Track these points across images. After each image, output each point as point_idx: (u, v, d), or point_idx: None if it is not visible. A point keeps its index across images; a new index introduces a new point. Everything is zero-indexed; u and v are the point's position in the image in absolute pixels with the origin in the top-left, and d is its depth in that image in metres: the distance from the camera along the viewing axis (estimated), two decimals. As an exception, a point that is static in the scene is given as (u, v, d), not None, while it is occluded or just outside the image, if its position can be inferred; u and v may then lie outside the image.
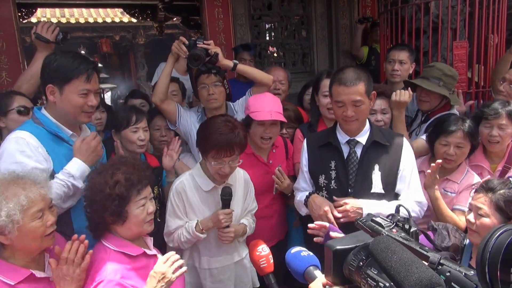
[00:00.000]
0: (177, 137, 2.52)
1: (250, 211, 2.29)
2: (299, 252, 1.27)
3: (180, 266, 1.62)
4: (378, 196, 1.99)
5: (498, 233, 0.59)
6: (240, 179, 2.23)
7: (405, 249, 0.71)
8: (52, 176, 1.80)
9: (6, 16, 3.52)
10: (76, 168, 1.83)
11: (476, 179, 2.29)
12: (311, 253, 1.28)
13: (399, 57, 3.13)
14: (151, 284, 1.55)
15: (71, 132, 1.92)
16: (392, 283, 0.68)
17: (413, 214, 2.00)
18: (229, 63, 2.62)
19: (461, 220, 2.13)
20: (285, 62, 4.79)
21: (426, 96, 2.67)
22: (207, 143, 1.98)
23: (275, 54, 4.94)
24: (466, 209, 2.22)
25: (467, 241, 1.75)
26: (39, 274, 1.53)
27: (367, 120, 2.08)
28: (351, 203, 1.95)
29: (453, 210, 2.21)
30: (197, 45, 2.50)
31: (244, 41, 4.29)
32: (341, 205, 1.96)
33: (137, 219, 1.64)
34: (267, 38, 4.82)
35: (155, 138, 2.70)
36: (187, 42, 2.53)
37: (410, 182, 2.04)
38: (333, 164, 2.06)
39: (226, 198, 2.02)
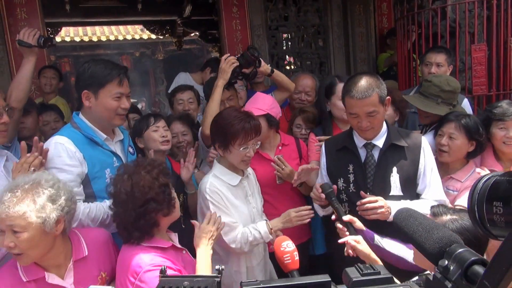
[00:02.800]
0: (192, 150, 2.55)
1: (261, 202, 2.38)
2: None
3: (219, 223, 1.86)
4: (397, 199, 1.99)
5: (485, 178, 0.64)
6: (251, 172, 2.32)
7: (425, 216, 0.75)
8: (84, 178, 1.90)
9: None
10: None
11: None
12: None
13: (436, 59, 3.03)
14: (203, 243, 1.75)
15: (105, 136, 2.02)
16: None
17: None
18: (268, 69, 2.76)
19: None
20: (302, 71, 4.85)
21: (426, 112, 2.60)
22: (231, 132, 2.03)
23: (292, 65, 5.01)
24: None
25: None
26: (51, 279, 1.55)
27: (384, 122, 2.09)
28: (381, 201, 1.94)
29: (455, 207, 2.20)
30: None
31: (262, 51, 4.37)
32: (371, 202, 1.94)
33: (177, 203, 1.78)
34: (284, 48, 4.89)
35: (173, 144, 2.77)
36: (237, 63, 2.65)
37: (431, 182, 2.04)
38: (351, 167, 2.08)
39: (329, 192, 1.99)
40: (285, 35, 4.87)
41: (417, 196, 2.07)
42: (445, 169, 2.36)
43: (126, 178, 1.68)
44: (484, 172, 2.33)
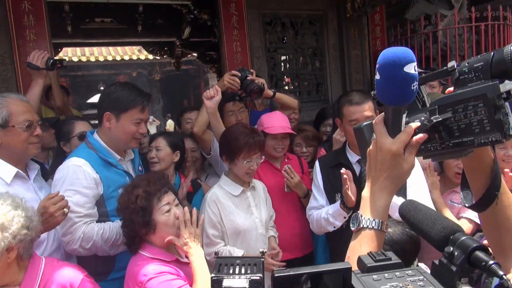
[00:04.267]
0: (191, 172, 2.71)
1: (272, 216, 2.51)
2: None
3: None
4: None
5: None
6: (260, 186, 2.46)
7: (428, 207, 0.87)
8: (99, 198, 1.98)
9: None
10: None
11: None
12: None
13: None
14: (192, 247, 1.78)
15: (119, 157, 2.11)
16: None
17: None
18: (270, 92, 2.89)
19: (463, 225, 2.23)
20: (299, 91, 5.00)
21: None
22: (236, 146, 2.21)
23: (290, 86, 5.17)
24: (475, 218, 2.34)
25: None
26: (181, 259, 1.85)
27: None
28: None
29: (459, 219, 2.31)
30: (247, 77, 2.72)
31: (261, 72, 4.52)
32: None
33: (166, 225, 1.79)
34: (283, 69, 5.05)
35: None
36: (239, 75, 2.73)
37: (417, 187, 2.10)
38: None
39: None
40: (283, 57, 5.04)
41: None
42: (448, 184, 2.48)
43: (119, 194, 1.87)
44: None
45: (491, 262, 0.67)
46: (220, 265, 0.68)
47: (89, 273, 2.02)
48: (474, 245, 0.70)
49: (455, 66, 0.81)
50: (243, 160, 2.23)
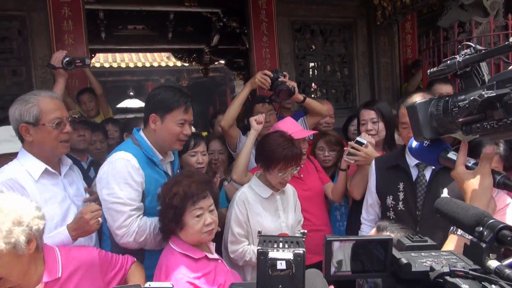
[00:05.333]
0: (218, 175, 2.74)
1: (300, 221, 2.51)
2: (421, 143, 1.25)
3: None
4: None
5: None
6: (290, 191, 2.46)
7: (459, 200, 0.91)
8: (143, 196, 2.03)
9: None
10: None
11: (508, 199, 2.31)
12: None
13: (442, 90, 3.14)
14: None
15: (161, 157, 2.15)
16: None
17: None
18: (300, 97, 2.90)
19: None
20: (327, 98, 4.98)
21: None
22: (273, 158, 2.21)
23: (317, 93, 5.17)
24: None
25: None
26: (210, 255, 1.89)
27: None
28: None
29: None
30: (279, 79, 2.75)
31: (290, 79, 4.53)
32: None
33: (193, 229, 1.81)
34: (311, 76, 5.06)
35: (209, 160, 2.92)
36: (271, 75, 2.76)
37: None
38: (401, 186, 2.12)
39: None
40: (311, 64, 5.05)
41: None
42: None
43: (165, 183, 1.95)
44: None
45: None
46: (264, 241, 0.71)
47: (121, 251, 2.08)
48: (501, 225, 0.76)
49: None
50: (278, 172, 2.23)
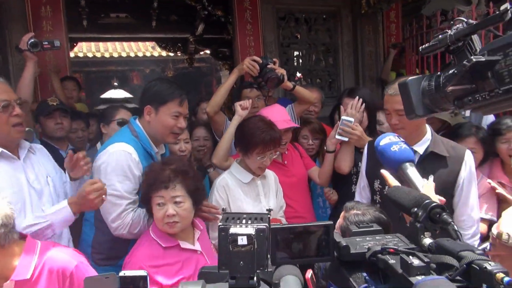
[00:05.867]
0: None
1: (282, 207, 2.51)
2: (389, 146, 1.27)
3: None
4: None
5: None
6: (271, 176, 2.45)
7: (406, 187, 0.99)
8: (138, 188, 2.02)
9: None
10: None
11: (489, 186, 2.38)
12: (403, 146, 1.27)
13: None
14: None
15: (156, 150, 2.14)
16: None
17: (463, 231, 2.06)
18: (290, 85, 2.86)
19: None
20: (312, 87, 4.97)
21: (430, 119, 2.66)
22: (252, 142, 2.20)
23: (302, 81, 5.15)
24: (489, 217, 2.29)
25: None
26: (184, 245, 1.84)
27: (428, 130, 2.11)
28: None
29: None
30: (268, 66, 2.69)
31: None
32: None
33: (156, 216, 1.81)
34: (295, 64, 5.04)
35: (194, 148, 2.90)
36: (260, 61, 2.71)
37: (468, 197, 2.05)
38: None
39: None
40: (296, 53, 5.02)
41: (451, 208, 2.07)
42: (494, 172, 2.48)
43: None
44: (494, 184, 2.43)
45: (444, 213, 0.79)
46: (227, 218, 0.70)
47: (103, 257, 2.06)
48: (433, 204, 0.81)
49: (509, 7, 0.76)
50: (256, 155, 2.23)
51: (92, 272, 1.65)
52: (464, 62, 0.77)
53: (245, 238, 0.63)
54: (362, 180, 2.33)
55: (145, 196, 1.84)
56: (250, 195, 2.31)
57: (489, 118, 2.94)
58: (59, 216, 1.81)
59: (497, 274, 0.61)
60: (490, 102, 0.77)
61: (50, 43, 2.68)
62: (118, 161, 1.95)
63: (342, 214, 1.67)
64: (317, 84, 5.03)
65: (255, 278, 0.65)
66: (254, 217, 0.70)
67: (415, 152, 2.07)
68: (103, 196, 1.80)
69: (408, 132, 2.06)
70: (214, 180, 2.66)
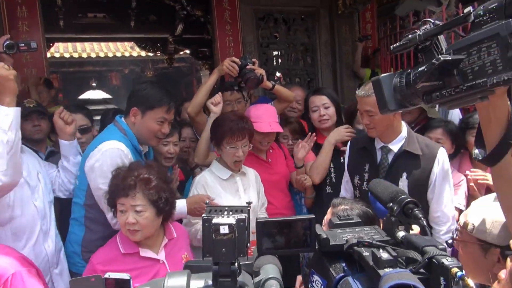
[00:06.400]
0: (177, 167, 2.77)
1: (264, 203, 2.57)
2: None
3: None
4: None
5: None
6: (252, 173, 2.51)
7: (389, 183, 0.99)
8: None
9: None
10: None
11: (462, 177, 2.49)
12: None
13: None
14: None
15: (141, 148, 2.18)
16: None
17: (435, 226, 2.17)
18: (269, 84, 2.89)
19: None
20: (291, 87, 5.05)
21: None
22: (221, 131, 2.28)
23: (281, 80, 5.23)
24: (462, 207, 2.40)
25: None
26: (144, 253, 1.83)
27: (404, 128, 2.20)
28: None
29: None
30: (247, 66, 2.73)
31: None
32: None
33: (119, 222, 1.83)
34: (275, 64, 5.11)
35: (180, 148, 2.91)
36: (239, 62, 2.74)
37: (441, 193, 2.13)
38: (367, 167, 2.23)
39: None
40: (275, 52, 5.09)
41: (426, 204, 2.17)
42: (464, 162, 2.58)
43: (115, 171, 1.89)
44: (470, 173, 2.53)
45: (415, 209, 0.84)
46: (211, 211, 0.75)
47: (98, 237, 2.07)
48: (407, 199, 0.86)
49: (471, 10, 0.82)
50: (227, 145, 2.28)
51: (33, 284, 1.53)
52: (433, 61, 0.82)
53: (226, 227, 0.69)
54: (346, 175, 2.41)
55: (110, 200, 1.82)
56: (229, 190, 2.36)
57: (455, 113, 3.07)
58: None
59: (452, 269, 0.69)
60: (455, 97, 0.83)
61: (27, 45, 2.64)
62: (113, 159, 1.97)
63: (329, 210, 1.74)
64: (296, 83, 5.11)
65: (236, 264, 0.72)
66: (235, 209, 0.76)
67: (389, 150, 2.18)
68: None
69: (379, 131, 2.16)
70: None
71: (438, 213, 2.14)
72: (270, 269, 0.75)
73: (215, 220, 0.70)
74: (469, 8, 0.83)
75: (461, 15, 0.82)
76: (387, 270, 0.70)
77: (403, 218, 0.85)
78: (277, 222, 0.78)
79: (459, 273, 0.67)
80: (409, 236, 0.82)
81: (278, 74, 5.28)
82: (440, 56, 0.81)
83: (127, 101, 2.18)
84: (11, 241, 1.92)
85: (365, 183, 2.22)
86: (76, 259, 2.17)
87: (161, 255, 1.87)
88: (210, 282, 0.74)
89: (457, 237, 1.37)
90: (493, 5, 0.77)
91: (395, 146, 2.18)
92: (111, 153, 1.99)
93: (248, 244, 0.73)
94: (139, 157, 2.13)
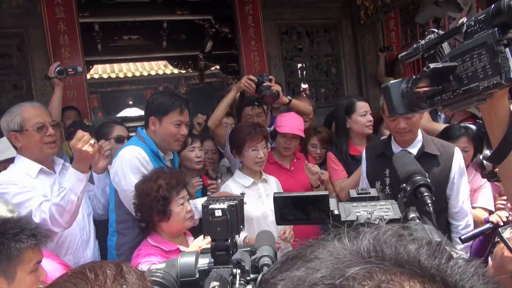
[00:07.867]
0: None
1: None
2: None
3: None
4: None
5: None
6: (273, 180, 2.65)
7: (411, 158, 1.05)
8: None
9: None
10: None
11: (484, 180, 2.50)
12: None
13: None
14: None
15: (163, 154, 2.38)
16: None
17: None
18: (286, 99, 3.03)
19: (480, 215, 2.38)
20: (317, 97, 5.16)
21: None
22: (241, 136, 2.47)
23: (307, 91, 5.35)
24: (491, 207, 2.42)
25: None
26: (183, 248, 2.01)
27: (419, 132, 2.32)
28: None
29: (474, 208, 2.41)
30: (264, 83, 2.87)
31: (279, 80, 4.71)
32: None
33: (179, 216, 2.00)
34: (299, 76, 5.24)
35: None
36: (256, 80, 2.90)
37: (459, 188, 2.24)
38: (387, 171, 2.31)
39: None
40: (300, 65, 5.23)
41: (445, 201, 2.27)
42: None
43: (142, 180, 2.06)
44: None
45: (426, 194, 0.89)
46: (209, 200, 0.91)
47: (125, 259, 2.21)
48: (421, 182, 0.92)
49: (464, 21, 0.88)
50: (248, 148, 2.45)
51: None
52: (424, 68, 0.89)
53: (220, 211, 0.86)
54: (364, 182, 2.49)
55: (164, 203, 1.96)
56: (253, 197, 2.50)
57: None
58: (70, 179, 2.00)
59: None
60: (453, 100, 0.90)
61: (74, 69, 3.00)
62: (131, 161, 2.18)
63: None
64: (322, 94, 5.22)
65: (229, 240, 0.88)
66: (230, 199, 0.92)
67: (409, 153, 2.25)
68: (95, 144, 1.98)
69: (412, 133, 2.26)
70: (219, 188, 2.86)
71: (457, 209, 2.24)
72: (266, 249, 0.89)
73: (211, 206, 0.87)
74: (463, 19, 0.91)
75: (456, 26, 0.89)
76: None
77: (414, 199, 0.91)
78: (295, 197, 0.90)
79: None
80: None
81: (304, 85, 5.41)
82: (430, 64, 0.89)
83: (144, 114, 2.39)
84: (54, 249, 2.14)
85: (387, 187, 2.30)
86: None
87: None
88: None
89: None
90: (481, 16, 0.84)
91: (413, 149, 2.28)
92: (128, 156, 2.19)
93: (242, 227, 0.88)
94: (160, 162, 2.30)
